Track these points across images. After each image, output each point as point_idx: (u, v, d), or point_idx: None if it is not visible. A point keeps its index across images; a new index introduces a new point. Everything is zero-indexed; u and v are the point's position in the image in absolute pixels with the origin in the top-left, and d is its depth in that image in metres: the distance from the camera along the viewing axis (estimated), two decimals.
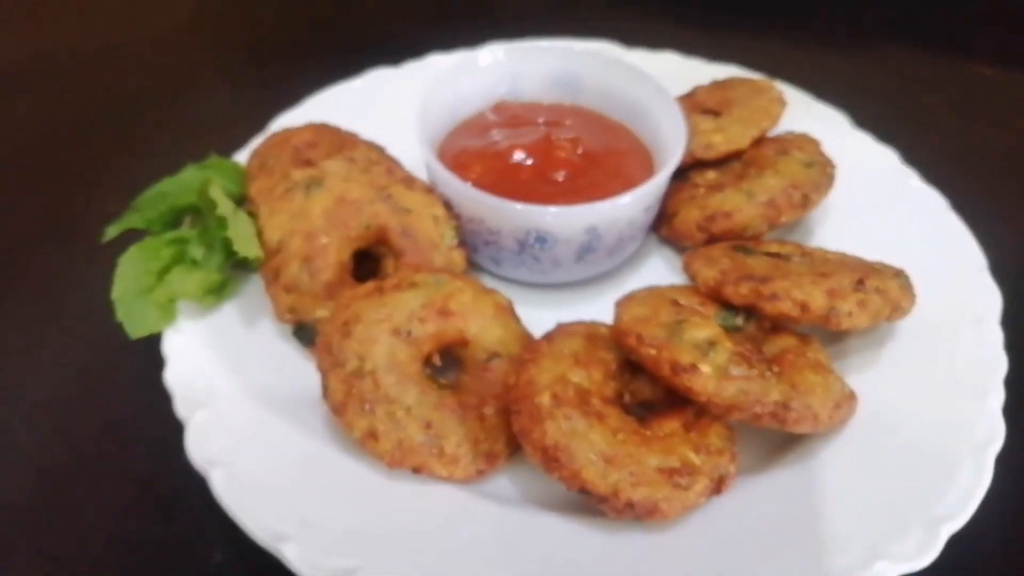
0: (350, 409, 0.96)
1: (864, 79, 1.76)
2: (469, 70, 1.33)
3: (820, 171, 1.20)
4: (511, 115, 1.34)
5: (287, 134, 1.26)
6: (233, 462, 0.95)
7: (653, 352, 0.96)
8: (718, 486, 0.96)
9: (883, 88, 1.75)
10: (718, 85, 1.43)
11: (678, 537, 0.93)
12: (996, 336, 1.09)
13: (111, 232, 1.11)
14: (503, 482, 1.01)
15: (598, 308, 1.10)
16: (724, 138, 1.28)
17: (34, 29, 1.88)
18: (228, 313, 1.12)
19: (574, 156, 1.24)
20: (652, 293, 1.06)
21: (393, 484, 0.96)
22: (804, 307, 0.99)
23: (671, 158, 1.18)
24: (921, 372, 1.07)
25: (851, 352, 1.11)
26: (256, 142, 1.33)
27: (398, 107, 1.28)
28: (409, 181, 1.15)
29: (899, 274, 1.07)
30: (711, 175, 1.30)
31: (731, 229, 1.19)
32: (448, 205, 1.17)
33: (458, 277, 1.07)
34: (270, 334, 1.11)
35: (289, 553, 0.87)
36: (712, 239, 1.20)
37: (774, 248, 1.16)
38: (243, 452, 0.96)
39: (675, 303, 1.02)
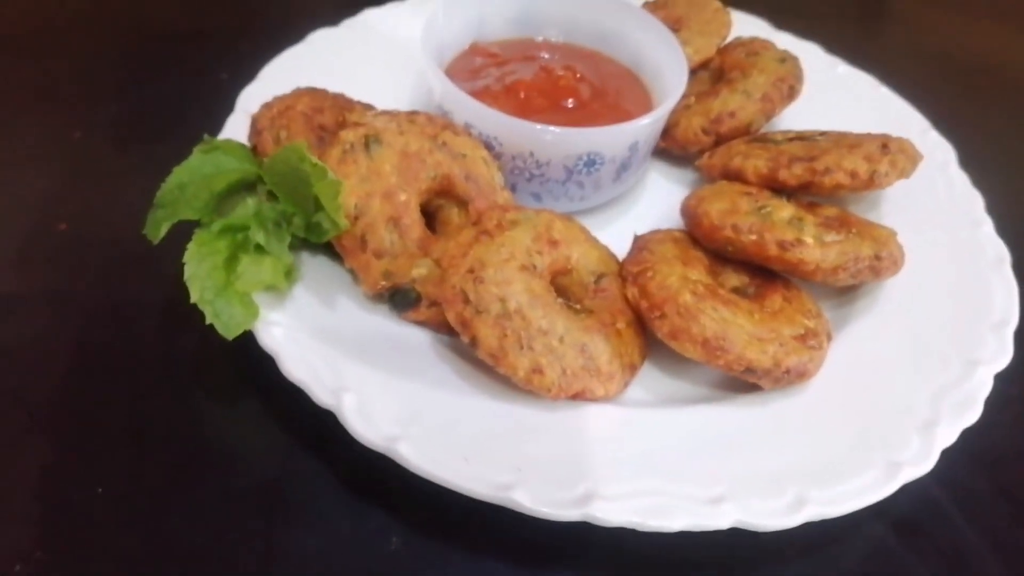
0: (509, 351, 0.94)
1: None
2: (447, 14, 1.30)
3: (793, 63, 1.34)
4: (491, 55, 1.34)
5: (287, 102, 1.17)
6: (414, 432, 0.90)
7: (754, 237, 1.05)
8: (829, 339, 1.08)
9: None
10: (657, 4, 1.52)
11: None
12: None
13: (160, 232, 0.97)
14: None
15: (621, 227, 1.20)
16: (693, 50, 1.38)
17: None
18: (303, 296, 1.04)
19: (575, 83, 1.28)
20: (720, 189, 1.14)
21: (553, 415, 0.97)
22: (854, 175, 1.12)
23: (675, 68, 1.26)
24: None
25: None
26: (234, 121, 1.22)
27: (354, 64, 1.30)
28: (451, 126, 1.12)
29: (899, 138, 1.24)
30: (701, 85, 1.39)
31: (737, 128, 1.29)
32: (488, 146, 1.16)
33: (540, 211, 1.07)
34: (354, 308, 1.05)
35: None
36: (719, 140, 1.30)
37: (779, 136, 1.29)
38: (423, 416, 0.93)
39: (747, 193, 1.11)
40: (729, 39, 1.45)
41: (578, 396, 0.98)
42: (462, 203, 1.11)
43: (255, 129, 1.15)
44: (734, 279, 1.11)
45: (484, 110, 1.14)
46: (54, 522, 0.89)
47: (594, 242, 1.10)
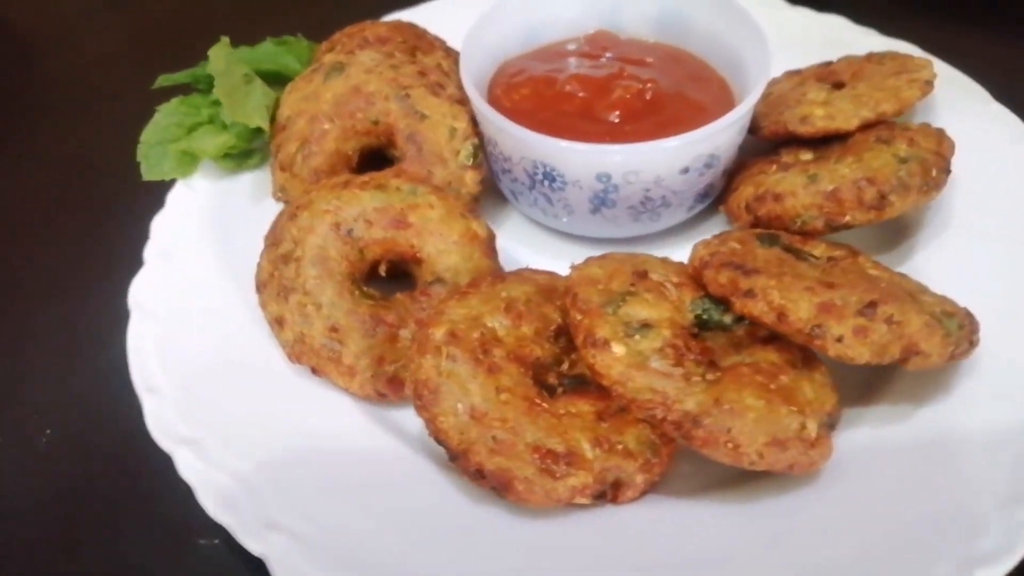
0: (268, 289, 0.94)
1: None
2: None
3: (916, 170, 0.94)
4: (601, 47, 1.21)
5: (364, 25, 1.24)
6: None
7: (579, 317, 0.82)
8: (613, 493, 0.81)
9: None
10: (868, 57, 1.17)
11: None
12: None
13: (161, 81, 1.17)
14: None
15: None
16: (825, 113, 1.05)
17: None
18: (244, 183, 1.14)
19: (636, 100, 1.09)
20: (625, 258, 0.90)
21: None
22: (781, 315, 0.79)
23: (725, 119, 0.99)
24: None
25: None
26: None
27: None
28: (438, 87, 1.08)
29: (956, 315, 0.81)
30: (805, 155, 1.07)
31: (778, 216, 0.97)
32: (475, 122, 1.08)
33: (437, 192, 0.99)
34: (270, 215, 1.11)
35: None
36: (757, 223, 1.00)
37: (819, 250, 0.94)
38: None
39: (641, 275, 0.86)
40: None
41: (317, 373, 0.92)
42: (399, 160, 1.07)
43: (327, 41, 1.25)
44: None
45: (466, 81, 1.06)
46: None
47: (471, 251, 0.97)
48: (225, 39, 1.05)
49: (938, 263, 1.00)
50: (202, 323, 0.98)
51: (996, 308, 0.91)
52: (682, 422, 0.75)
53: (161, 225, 1.07)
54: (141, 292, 0.99)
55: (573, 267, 0.89)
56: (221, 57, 1.04)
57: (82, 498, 0.95)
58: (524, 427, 0.80)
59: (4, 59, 1.67)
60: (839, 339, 0.77)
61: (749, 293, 0.80)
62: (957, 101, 1.15)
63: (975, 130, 1.11)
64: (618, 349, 0.78)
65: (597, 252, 0.99)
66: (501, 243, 1.13)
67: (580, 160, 0.99)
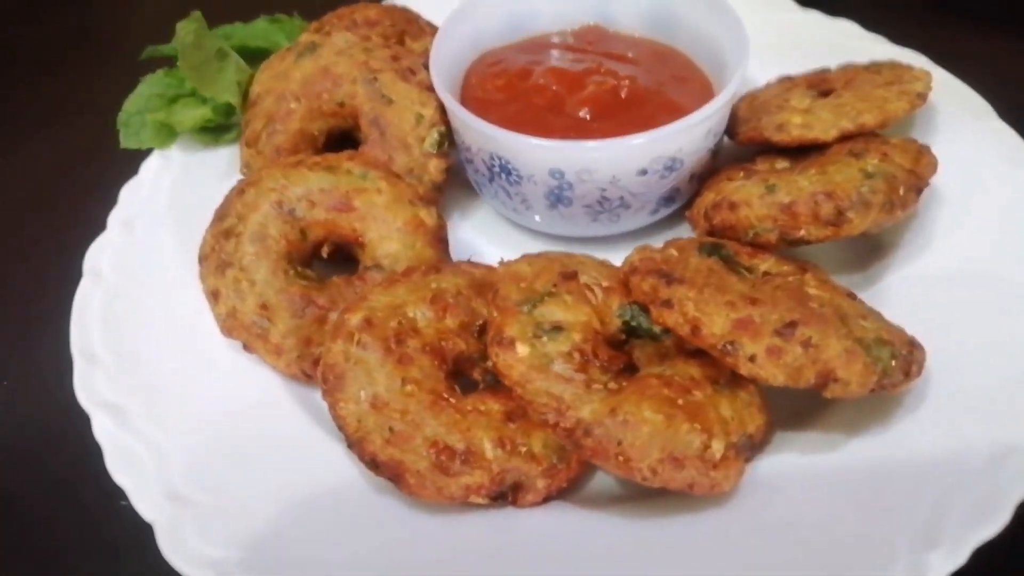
0: (208, 263, 0.95)
1: None
2: None
3: (881, 187, 0.88)
4: (587, 41, 1.18)
5: (354, 8, 1.24)
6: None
7: (494, 314, 0.81)
8: (513, 495, 0.79)
9: None
10: (867, 66, 1.10)
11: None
12: None
13: (147, 53, 1.19)
14: None
15: None
16: (803, 121, 1.00)
17: None
18: (219, 158, 1.16)
19: (608, 96, 1.06)
20: (557, 257, 0.88)
21: None
22: (695, 328, 0.75)
23: (684, 121, 0.95)
24: None
25: None
26: None
27: None
28: (409, 73, 1.07)
29: (890, 344, 0.76)
30: (779, 163, 1.02)
31: (732, 225, 0.93)
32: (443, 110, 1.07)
33: (388, 178, 0.98)
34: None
35: None
36: (712, 231, 0.96)
37: (767, 264, 0.89)
38: None
39: (568, 276, 0.84)
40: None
41: (248, 349, 0.93)
42: (361, 143, 1.07)
43: (317, 21, 1.26)
44: None
45: (430, 69, 1.05)
46: None
47: (414, 240, 0.95)
48: (197, 13, 1.07)
49: (904, 288, 0.94)
50: (150, 293, 1.00)
51: (955, 342, 0.86)
52: (574, 429, 0.73)
53: (129, 193, 1.10)
54: (96, 257, 1.02)
55: (502, 263, 0.87)
56: (191, 31, 1.05)
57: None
58: (425, 421, 0.79)
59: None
60: (751, 358, 0.73)
61: (666, 303, 0.77)
62: (958, 117, 1.08)
63: (971, 149, 1.04)
64: (522, 349, 0.76)
65: (561, 250, 0.97)
66: (466, 235, 1.13)
67: (532, 155, 0.97)
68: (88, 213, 1.09)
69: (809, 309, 0.77)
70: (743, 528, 0.77)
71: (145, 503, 0.79)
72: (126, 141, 1.14)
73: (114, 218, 1.06)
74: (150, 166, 1.13)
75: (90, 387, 0.89)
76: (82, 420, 0.88)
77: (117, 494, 0.82)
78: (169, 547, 0.76)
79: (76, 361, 0.91)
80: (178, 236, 1.05)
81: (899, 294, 0.94)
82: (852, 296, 0.86)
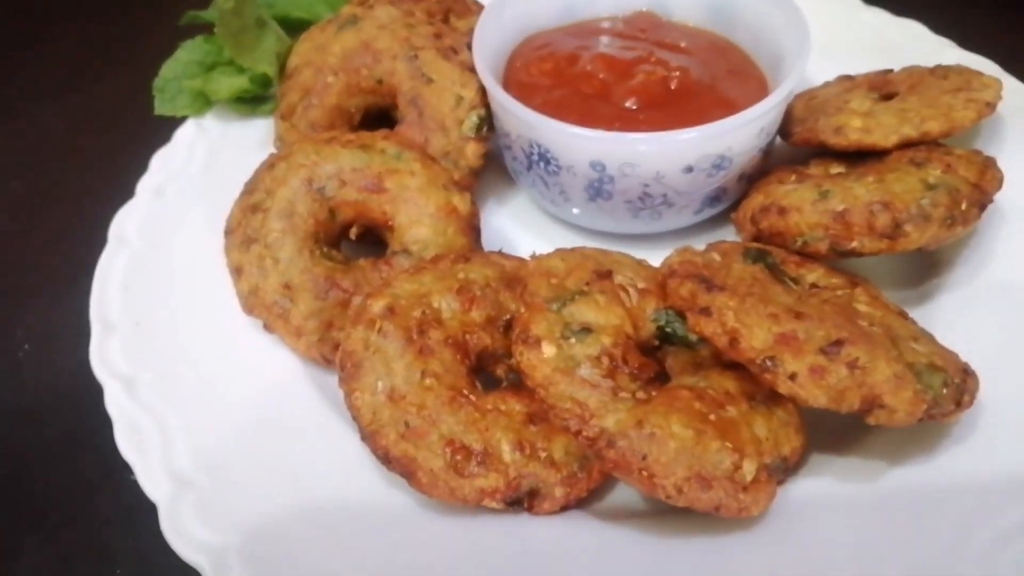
0: (233, 237, 0.92)
1: None
2: None
3: (943, 200, 0.82)
4: (639, 28, 1.13)
5: None
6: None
7: (522, 310, 0.77)
8: (529, 501, 0.76)
9: None
10: (933, 70, 1.04)
11: None
12: None
13: (187, 18, 1.16)
14: None
15: None
16: (863, 125, 0.94)
17: None
18: (255, 130, 1.13)
19: (658, 88, 1.01)
20: (593, 254, 0.84)
21: None
22: (734, 339, 0.71)
23: (735, 119, 0.90)
24: None
25: None
26: None
27: None
28: (451, 52, 1.03)
29: (943, 371, 0.71)
30: (835, 168, 0.97)
31: (780, 232, 0.88)
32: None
33: (423, 160, 0.94)
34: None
35: None
36: (759, 236, 0.91)
37: (814, 275, 0.84)
38: None
39: (603, 275, 0.80)
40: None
41: (268, 329, 0.90)
42: (398, 122, 1.03)
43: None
44: None
45: (474, 51, 1.01)
46: None
47: (445, 226, 0.92)
48: None
49: (960, 310, 0.89)
50: (173, 264, 0.98)
51: (1010, 368, 0.80)
52: (597, 439, 0.69)
53: (161, 160, 1.08)
54: (123, 224, 1.00)
55: (534, 256, 0.83)
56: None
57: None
58: (442, 417, 0.75)
59: None
60: (792, 376, 0.69)
61: (705, 310, 0.73)
62: None
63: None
64: (548, 350, 0.73)
65: (597, 246, 0.93)
66: (500, 224, 1.09)
67: (573, 145, 0.93)
68: (115, 179, 1.07)
69: (858, 327, 0.72)
70: (769, 555, 0.72)
71: (150, 482, 0.77)
72: (161, 107, 1.12)
73: (144, 186, 1.05)
74: (184, 134, 1.11)
75: (106, 356, 0.87)
76: (98, 389, 0.86)
77: (127, 467, 0.81)
78: (170, 528, 0.74)
79: (94, 328, 0.90)
80: (208, 208, 1.03)
81: (953, 315, 0.89)
82: (904, 315, 0.81)
